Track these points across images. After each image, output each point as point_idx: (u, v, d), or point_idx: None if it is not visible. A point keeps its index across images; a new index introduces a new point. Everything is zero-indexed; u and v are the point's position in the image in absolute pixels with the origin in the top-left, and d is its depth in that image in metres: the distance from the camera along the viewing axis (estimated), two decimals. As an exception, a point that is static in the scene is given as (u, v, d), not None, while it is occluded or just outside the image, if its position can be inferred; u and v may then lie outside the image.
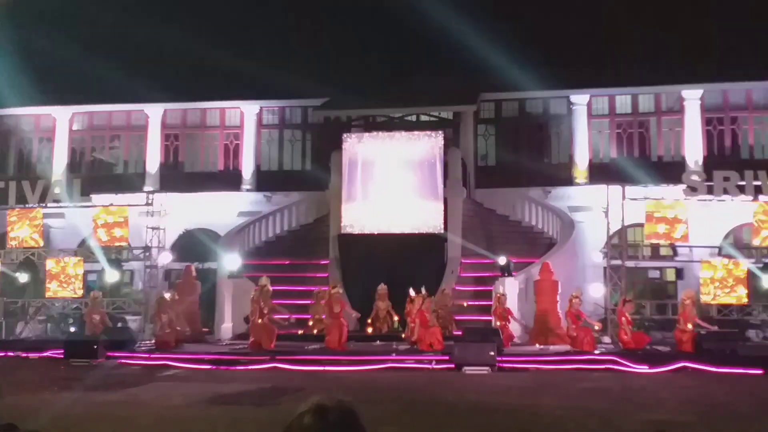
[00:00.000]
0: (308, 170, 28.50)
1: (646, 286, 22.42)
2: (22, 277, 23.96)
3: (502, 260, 21.38)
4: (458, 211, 24.63)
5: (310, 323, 21.38)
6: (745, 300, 20.81)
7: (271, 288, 20.19)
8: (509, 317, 20.31)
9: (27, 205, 24.06)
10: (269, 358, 17.77)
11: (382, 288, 21.34)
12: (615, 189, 21.53)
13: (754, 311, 21.82)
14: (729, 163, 24.15)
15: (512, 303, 20.86)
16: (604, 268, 21.78)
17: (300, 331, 21.69)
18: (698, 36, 24.72)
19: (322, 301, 20.93)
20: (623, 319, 19.00)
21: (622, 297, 19.87)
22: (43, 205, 24.12)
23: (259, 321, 19.50)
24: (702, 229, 22.48)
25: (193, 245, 25.89)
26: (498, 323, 19.91)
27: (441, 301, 20.90)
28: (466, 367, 16.81)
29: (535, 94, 27.24)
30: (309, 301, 22.47)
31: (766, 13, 24.78)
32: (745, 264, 20.94)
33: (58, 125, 29.97)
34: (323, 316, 20.60)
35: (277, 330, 19.61)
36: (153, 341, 20.68)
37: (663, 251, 24.91)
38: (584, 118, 27.24)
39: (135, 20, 26.89)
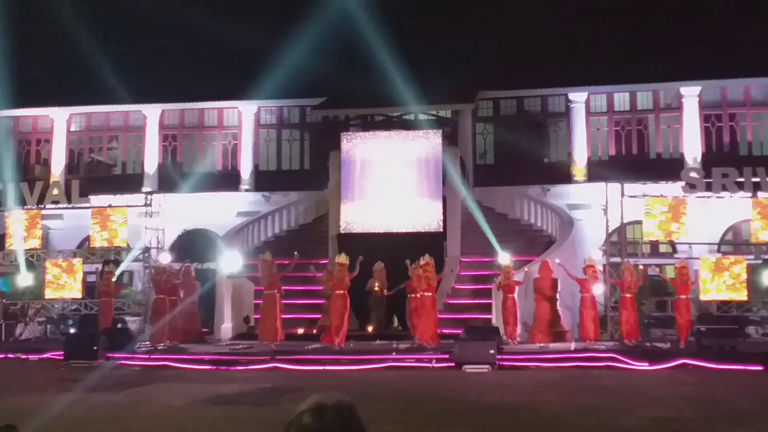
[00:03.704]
0: (307, 170, 28.53)
1: (646, 284, 22.38)
2: (24, 279, 23.87)
3: (504, 258, 21.40)
4: (457, 209, 24.64)
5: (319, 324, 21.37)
6: (744, 297, 20.78)
7: (273, 261, 20.41)
8: (515, 288, 20.45)
9: (26, 207, 24.05)
10: (269, 358, 17.75)
11: (379, 265, 21.29)
12: (614, 186, 21.52)
13: (753, 308, 21.80)
14: (727, 159, 24.19)
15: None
16: (604, 265, 21.76)
17: (300, 331, 21.67)
18: (696, 33, 24.73)
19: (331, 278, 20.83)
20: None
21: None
22: (42, 206, 24.11)
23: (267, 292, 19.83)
24: (701, 226, 22.48)
25: (192, 246, 25.84)
26: (506, 295, 20.17)
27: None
28: (466, 366, 16.77)
29: (534, 92, 27.30)
30: (309, 301, 22.46)
31: (764, 10, 24.79)
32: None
33: (56, 126, 29.96)
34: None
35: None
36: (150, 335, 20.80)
37: (662, 248, 24.91)
38: (583, 115, 27.25)
39: (132, 20, 26.88)
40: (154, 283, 21.54)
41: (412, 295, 19.78)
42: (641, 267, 20.73)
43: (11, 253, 24.42)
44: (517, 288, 20.66)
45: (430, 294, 19.50)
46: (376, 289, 21.26)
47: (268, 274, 20.03)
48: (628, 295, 19.74)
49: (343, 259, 20.29)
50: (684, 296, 19.62)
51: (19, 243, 23.75)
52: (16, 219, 23.96)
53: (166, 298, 20.79)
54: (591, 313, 19.63)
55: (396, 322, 22.07)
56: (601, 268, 21.54)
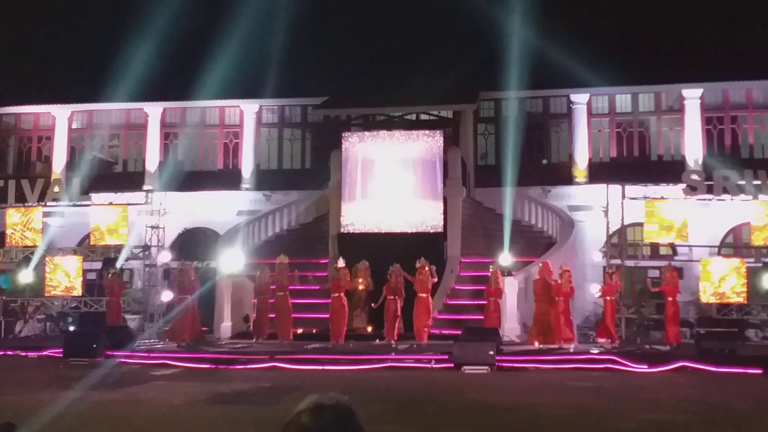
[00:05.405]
0: (308, 169, 28.49)
1: (646, 286, 22.37)
2: (25, 276, 23.85)
3: (506, 260, 21.34)
4: (458, 210, 24.62)
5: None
6: (744, 300, 20.77)
7: (287, 262, 20.82)
8: (502, 293, 20.56)
9: (26, 204, 24.05)
10: (268, 358, 17.73)
11: (363, 264, 21.34)
12: (615, 188, 21.52)
13: (753, 311, 21.79)
14: (729, 162, 24.14)
15: (512, 302, 20.87)
16: (604, 267, 21.76)
17: (299, 331, 21.64)
18: (698, 35, 24.70)
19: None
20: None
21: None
22: (43, 204, 24.12)
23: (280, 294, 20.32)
24: (702, 229, 22.48)
25: (192, 244, 25.83)
26: (491, 299, 20.30)
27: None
28: (465, 367, 16.73)
29: (535, 93, 27.23)
30: (309, 300, 22.42)
31: (766, 12, 24.76)
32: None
33: (58, 124, 29.94)
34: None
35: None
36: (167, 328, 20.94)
37: (663, 251, 24.88)
38: (584, 117, 27.23)
39: (133, 18, 26.84)
40: (177, 284, 21.49)
41: (391, 298, 19.91)
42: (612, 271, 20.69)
43: (11, 250, 24.43)
44: (506, 291, 20.70)
45: (424, 295, 19.67)
46: (361, 288, 21.25)
47: (285, 276, 20.21)
48: (609, 298, 19.85)
49: (341, 263, 20.44)
50: (671, 298, 19.66)
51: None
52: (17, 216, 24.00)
53: (189, 298, 20.88)
54: (564, 316, 19.75)
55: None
56: (600, 270, 21.60)
